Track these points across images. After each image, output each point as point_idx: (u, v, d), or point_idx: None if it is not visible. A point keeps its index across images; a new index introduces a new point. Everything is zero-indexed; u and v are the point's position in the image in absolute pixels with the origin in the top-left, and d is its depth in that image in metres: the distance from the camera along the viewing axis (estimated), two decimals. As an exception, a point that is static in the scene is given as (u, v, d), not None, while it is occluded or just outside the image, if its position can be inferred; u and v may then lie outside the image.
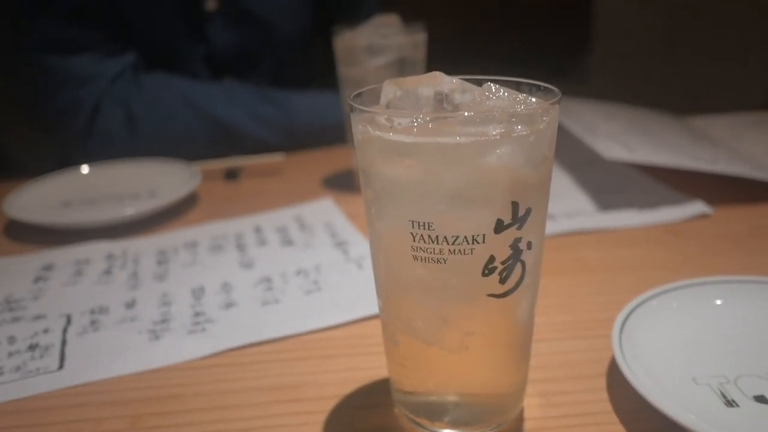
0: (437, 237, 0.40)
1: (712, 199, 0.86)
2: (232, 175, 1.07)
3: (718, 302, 0.58)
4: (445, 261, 0.40)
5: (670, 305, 0.56)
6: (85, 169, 1.05)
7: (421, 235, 0.40)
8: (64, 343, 0.61)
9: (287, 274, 0.72)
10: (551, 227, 0.80)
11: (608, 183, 0.95)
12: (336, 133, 1.19)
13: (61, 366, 0.58)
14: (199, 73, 1.27)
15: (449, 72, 0.43)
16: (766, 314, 0.56)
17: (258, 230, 0.85)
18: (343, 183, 1.01)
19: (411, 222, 0.40)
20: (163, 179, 1.01)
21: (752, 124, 1.22)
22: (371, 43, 0.91)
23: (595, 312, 0.62)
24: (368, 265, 0.73)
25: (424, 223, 0.40)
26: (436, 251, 0.40)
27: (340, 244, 0.78)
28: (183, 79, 1.21)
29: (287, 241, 0.81)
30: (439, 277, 0.41)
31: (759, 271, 0.66)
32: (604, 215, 0.84)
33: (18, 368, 0.57)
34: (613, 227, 0.81)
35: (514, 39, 2.15)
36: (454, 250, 0.40)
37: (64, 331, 0.63)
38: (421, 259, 0.41)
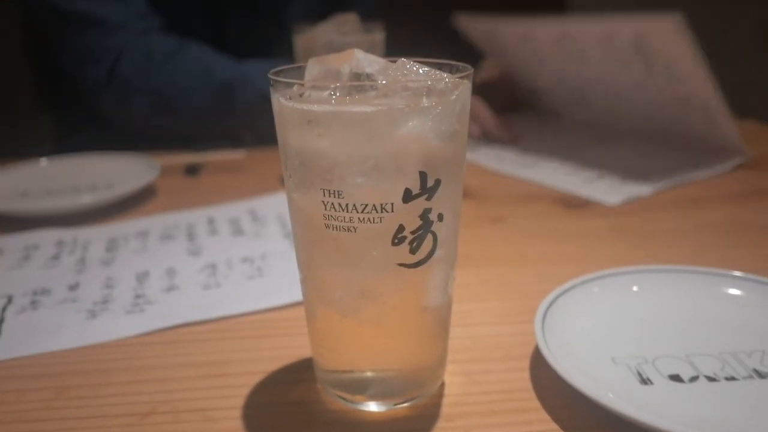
0: (347, 205, 0.41)
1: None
2: (192, 170, 1.07)
3: (635, 289, 0.60)
4: (355, 230, 0.41)
5: (592, 291, 0.58)
6: (43, 161, 1.05)
7: (332, 204, 0.41)
8: (1, 321, 0.61)
9: (232, 261, 0.73)
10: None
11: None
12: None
13: (-6, 342, 0.58)
14: (202, 16, 1.31)
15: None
16: (680, 300, 0.58)
17: (211, 221, 0.85)
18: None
19: (322, 191, 0.41)
20: (122, 172, 1.01)
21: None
22: (330, 41, 0.92)
23: (530, 300, 0.63)
24: (314, 253, 0.73)
25: (334, 191, 0.40)
26: (347, 219, 0.41)
27: (289, 235, 0.79)
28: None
29: (238, 232, 0.81)
30: (351, 246, 0.42)
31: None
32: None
33: (-49, 343, 0.58)
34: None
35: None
36: (364, 219, 0.41)
37: (3, 309, 0.63)
38: (333, 227, 0.41)
